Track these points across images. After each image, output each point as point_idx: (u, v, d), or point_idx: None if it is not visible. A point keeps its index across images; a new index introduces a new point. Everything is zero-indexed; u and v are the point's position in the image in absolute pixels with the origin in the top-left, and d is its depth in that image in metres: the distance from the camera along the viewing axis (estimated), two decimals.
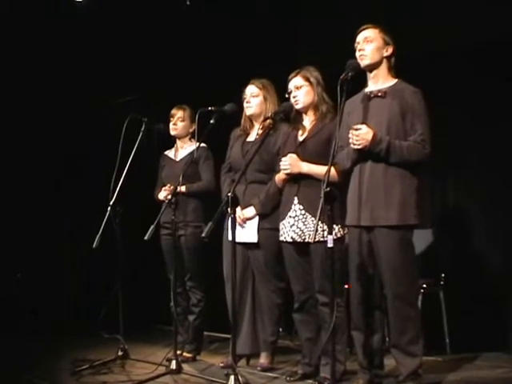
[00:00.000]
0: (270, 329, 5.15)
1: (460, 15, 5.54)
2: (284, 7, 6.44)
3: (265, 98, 5.19)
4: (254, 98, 5.21)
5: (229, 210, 4.46)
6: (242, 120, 5.33)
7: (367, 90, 4.44)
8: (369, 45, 4.35)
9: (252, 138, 5.24)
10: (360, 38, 4.40)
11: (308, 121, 4.78)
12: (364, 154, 4.27)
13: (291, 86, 4.77)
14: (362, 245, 4.33)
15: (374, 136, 4.18)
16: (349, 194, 4.41)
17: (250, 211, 5.07)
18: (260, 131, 5.07)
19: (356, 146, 4.23)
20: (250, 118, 5.28)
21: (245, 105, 5.23)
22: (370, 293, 4.37)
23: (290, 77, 4.81)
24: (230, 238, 4.86)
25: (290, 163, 4.61)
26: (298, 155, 4.66)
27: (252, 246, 5.11)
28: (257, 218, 5.08)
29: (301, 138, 4.74)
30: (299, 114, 4.81)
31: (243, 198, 5.00)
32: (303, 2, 6.41)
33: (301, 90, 4.73)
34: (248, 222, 5.08)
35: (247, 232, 5.06)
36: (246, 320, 5.21)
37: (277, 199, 4.94)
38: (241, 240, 4.96)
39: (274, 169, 4.98)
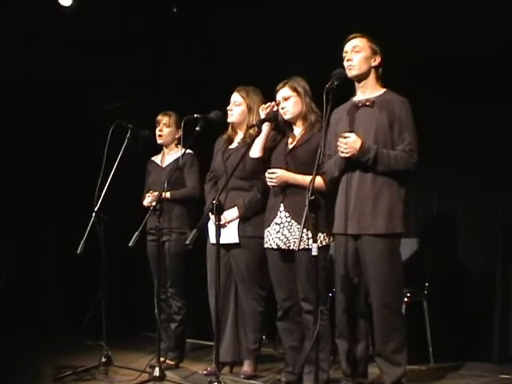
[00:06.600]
0: (253, 336, 5.15)
1: (446, 24, 5.57)
2: (270, 17, 6.44)
3: (248, 108, 5.17)
4: (236, 107, 5.21)
5: (213, 217, 4.47)
6: (229, 127, 5.33)
7: (355, 99, 4.45)
8: (357, 55, 4.35)
9: (234, 145, 5.26)
10: (348, 47, 4.40)
11: (297, 131, 4.79)
12: (352, 163, 4.28)
13: (279, 96, 4.77)
14: (349, 253, 4.33)
15: (362, 145, 4.19)
16: (337, 202, 4.42)
17: (233, 213, 5.07)
18: (241, 139, 5.13)
19: (344, 155, 4.24)
20: (233, 126, 5.29)
21: (228, 112, 5.23)
22: (355, 301, 4.38)
23: (277, 87, 4.80)
24: (212, 240, 4.90)
25: (276, 177, 4.61)
26: (286, 163, 4.68)
27: (234, 253, 5.10)
28: (237, 220, 5.08)
29: (290, 146, 4.75)
30: (288, 123, 4.82)
31: (224, 205, 4.97)
32: (289, 12, 6.41)
33: (289, 101, 4.73)
34: (229, 223, 5.08)
35: (228, 233, 5.04)
36: (228, 328, 5.22)
37: (259, 206, 4.96)
38: (222, 241, 4.82)
39: (254, 176, 5.00)
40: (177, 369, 5.56)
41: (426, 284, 5.59)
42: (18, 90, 7.15)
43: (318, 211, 3.99)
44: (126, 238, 4.94)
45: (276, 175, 4.61)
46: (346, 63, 4.38)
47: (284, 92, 4.75)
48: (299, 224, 4.51)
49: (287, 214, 4.64)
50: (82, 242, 5.27)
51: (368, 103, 4.35)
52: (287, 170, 4.65)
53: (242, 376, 5.13)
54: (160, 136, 5.74)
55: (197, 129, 5.04)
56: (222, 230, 4.91)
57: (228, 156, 5.21)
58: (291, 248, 4.60)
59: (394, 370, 4.26)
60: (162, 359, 5.23)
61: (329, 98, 4.08)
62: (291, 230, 4.62)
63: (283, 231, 4.65)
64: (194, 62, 6.98)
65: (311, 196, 3.93)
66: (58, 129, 7.40)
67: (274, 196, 4.76)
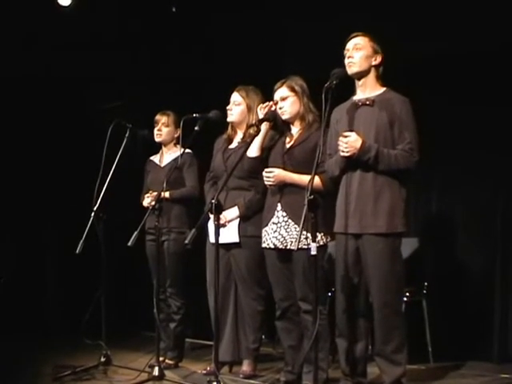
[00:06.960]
0: (252, 336, 5.15)
1: (446, 24, 5.57)
2: (270, 17, 6.44)
3: (248, 108, 5.16)
4: (235, 107, 5.21)
5: (212, 216, 4.47)
6: (229, 126, 5.33)
7: (355, 98, 4.45)
8: (358, 52, 4.36)
9: (233, 145, 5.26)
10: (349, 45, 4.40)
11: (295, 130, 4.78)
12: (352, 162, 4.27)
13: (277, 96, 4.77)
14: (349, 252, 4.33)
15: (363, 144, 4.18)
16: (337, 201, 4.42)
17: (233, 212, 5.07)
18: (241, 139, 5.13)
19: (344, 154, 4.23)
20: (233, 125, 5.29)
21: (228, 112, 5.23)
22: (355, 301, 4.37)
23: (275, 87, 4.80)
24: (211, 240, 4.91)
25: (273, 176, 4.62)
26: (283, 162, 4.67)
27: (234, 253, 5.10)
28: (238, 219, 5.08)
29: (287, 146, 4.74)
30: (286, 123, 4.81)
31: (224, 204, 4.96)
32: (289, 12, 6.41)
33: (287, 101, 4.73)
34: (229, 223, 5.08)
35: (228, 232, 5.04)
36: (228, 327, 5.22)
37: (260, 205, 4.95)
38: (222, 241, 4.80)
39: (253, 175, 5.00)
40: (176, 368, 5.56)
41: (426, 283, 5.58)
42: (18, 90, 7.15)
43: (316, 211, 3.99)
44: (125, 237, 4.93)
45: (273, 174, 4.61)
46: (346, 60, 4.38)
47: (282, 92, 4.75)
48: (296, 223, 4.52)
49: (284, 214, 4.64)
50: (81, 241, 5.26)
51: (368, 102, 4.35)
52: (284, 169, 4.64)
53: (241, 375, 5.13)
54: (159, 135, 5.73)
55: (196, 128, 5.04)
56: (222, 230, 4.90)
57: (228, 156, 5.20)
58: (288, 248, 4.60)
59: (393, 370, 4.25)
60: (161, 359, 5.25)
61: (328, 98, 4.08)
62: (288, 230, 4.61)
63: (280, 231, 4.64)
64: (194, 62, 6.98)
65: (310, 195, 3.93)
66: (57, 128, 7.40)
67: (271, 195, 4.76)
